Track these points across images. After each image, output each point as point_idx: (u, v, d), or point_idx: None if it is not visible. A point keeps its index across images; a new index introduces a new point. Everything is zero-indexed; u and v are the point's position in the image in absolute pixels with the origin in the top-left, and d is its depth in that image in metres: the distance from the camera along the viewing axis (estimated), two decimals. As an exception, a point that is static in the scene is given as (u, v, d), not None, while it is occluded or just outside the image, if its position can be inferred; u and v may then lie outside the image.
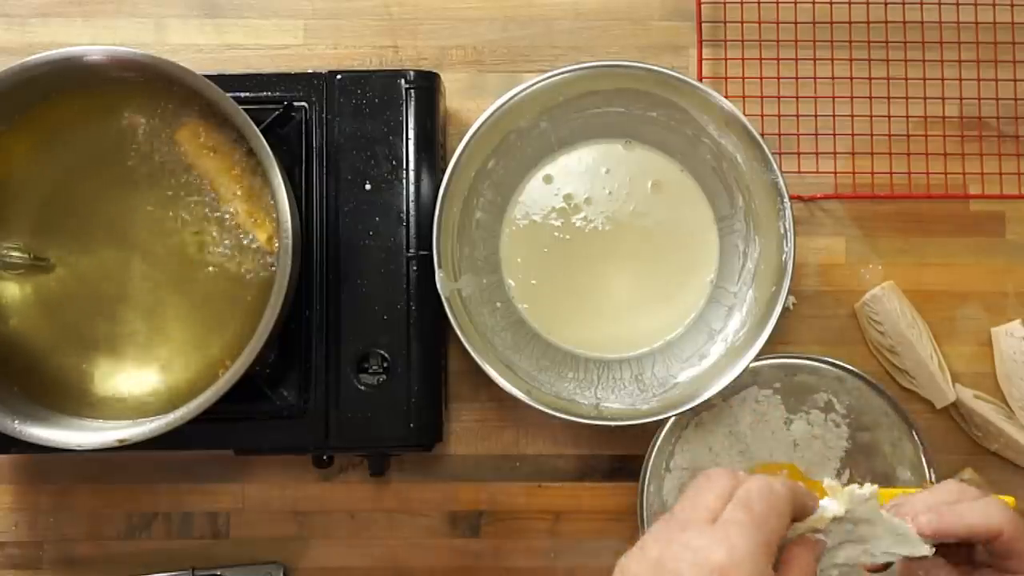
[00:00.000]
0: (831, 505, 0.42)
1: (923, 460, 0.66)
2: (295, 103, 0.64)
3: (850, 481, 0.69)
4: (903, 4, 0.73)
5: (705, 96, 0.63)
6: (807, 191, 0.72)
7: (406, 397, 0.63)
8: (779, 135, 0.72)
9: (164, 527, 0.69)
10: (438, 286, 0.62)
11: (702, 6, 0.72)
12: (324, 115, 0.65)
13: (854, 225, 0.72)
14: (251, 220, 0.61)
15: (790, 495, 0.40)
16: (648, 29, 0.73)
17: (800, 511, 0.41)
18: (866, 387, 0.66)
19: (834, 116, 0.72)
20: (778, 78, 0.73)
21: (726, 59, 0.73)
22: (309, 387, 0.63)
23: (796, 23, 0.73)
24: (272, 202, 0.58)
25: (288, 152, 0.63)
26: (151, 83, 0.60)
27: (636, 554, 0.40)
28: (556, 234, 0.69)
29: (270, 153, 0.57)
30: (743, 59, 0.72)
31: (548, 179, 0.69)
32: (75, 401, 0.61)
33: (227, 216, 0.62)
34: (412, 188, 0.64)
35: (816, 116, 0.72)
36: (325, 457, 0.66)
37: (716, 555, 0.37)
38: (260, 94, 0.64)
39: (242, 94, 0.63)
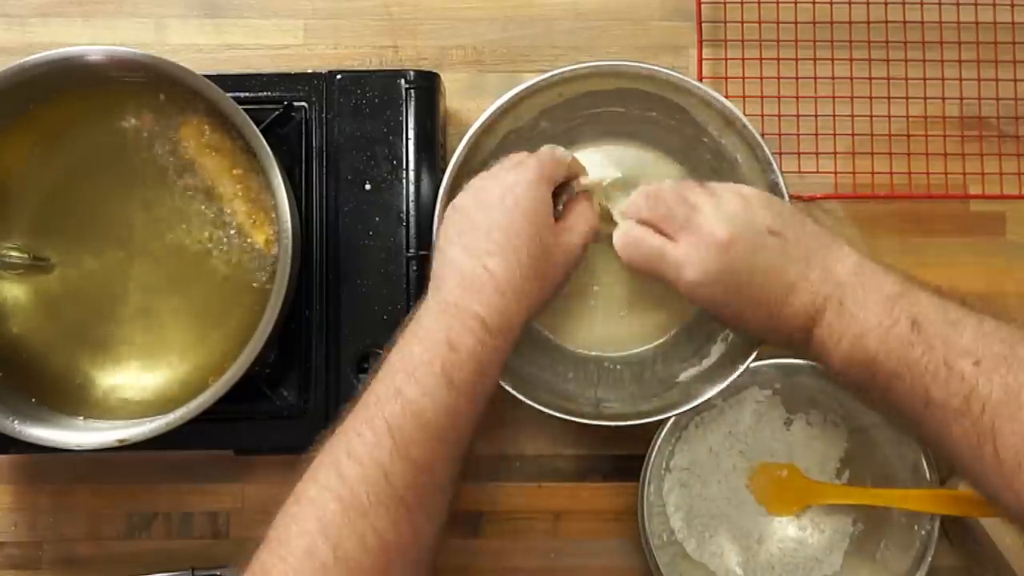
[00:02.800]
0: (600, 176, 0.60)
1: (923, 460, 0.65)
2: (295, 103, 0.64)
3: (851, 482, 0.69)
4: (903, 4, 0.73)
5: (705, 96, 0.63)
6: (807, 191, 0.72)
7: (406, 397, 0.63)
8: (779, 135, 0.72)
9: (164, 527, 0.69)
10: (438, 286, 0.62)
11: (702, 6, 0.72)
12: (324, 115, 0.65)
13: (854, 225, 0.72)
14: (250, 221, 0.61)
15: (567, 158, 0.58)
16: (648, 29, 0.73)
17: (576, 170, 0.59)
18: (866, 387, 0.66)
19: (834, 116, 0.72)
20: (778, 78, 0.73)
21: (726, 59, 0.73)
22: (309, 387, 0.63)
23: (796, 23, 0.73)
24: (272, 202, 0.58)
25: (288, 152, 0.63)
26: (151, 83, 0.60)
27: (465, 190, 0.57)
28: (556, 234, 0.68)
29: (270, 153, 0.57)
30: (743, 59, 0.73)
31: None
32: (75, 401, 0.61)
33: (227, 217, 0.62)
34: (412, 188, 0.64)
35: (816, 116, 0.72)
36: (325, 457, 0.66)
37: (509, 178, 0.55)
38: (260, 94, 0.64)
39: (242, 94, 0.63)
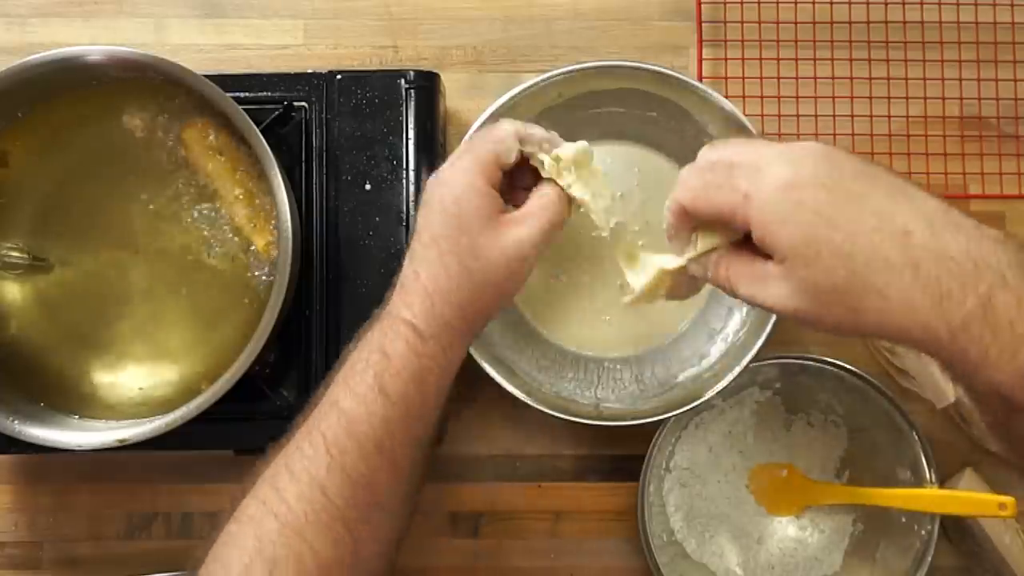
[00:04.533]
0: (563, 151, 0.51)
1: (923, 460, 0.65)
2: (295, 103, 0.64)
3: (851, 482, 0.69)
4: (903, 4, 0.73)
5: (705, 96, 0.63)
6: (807, 191, 0.72)
7: (406, 397, 0.63)
8: (779, 135, 0.72)
9: (164, 527, 0.69)
10: (438, 286, 0.62)
11: (702, 6, 0.72)
12: (324, 115, 0.65)
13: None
14: (250, 225, 0.61)
15: (508, 136, 0.50)
16: (648, 29, 0.73)
17: (525, 139, 0.51)
18: (866, 387, 0.66)
19: (834, 116, 0.72)
20: (778, 78, 0.73)
21: (726, 59, 0.73)
22: (309, 387, 0.63)
23: (796, 23, 0.73)
24: (272, 206, 0.58)
25: (288, 152, 0.63)
26: (151, 83, 0.60)
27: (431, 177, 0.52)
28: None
29: (270, 153, 0.57)
30: (743, 59, 0.73)
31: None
32: (75, 401, 0.61)
33: (226, 219, 0.62)
34: (412, 188, 0.64)
35: (816, 116, 0.72)
36: (325, 457, 0.66)
37: (446, 173, 0.50)
38: (260, 94, 0.64)
39: (242, 94, 0.63)
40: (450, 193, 0.49)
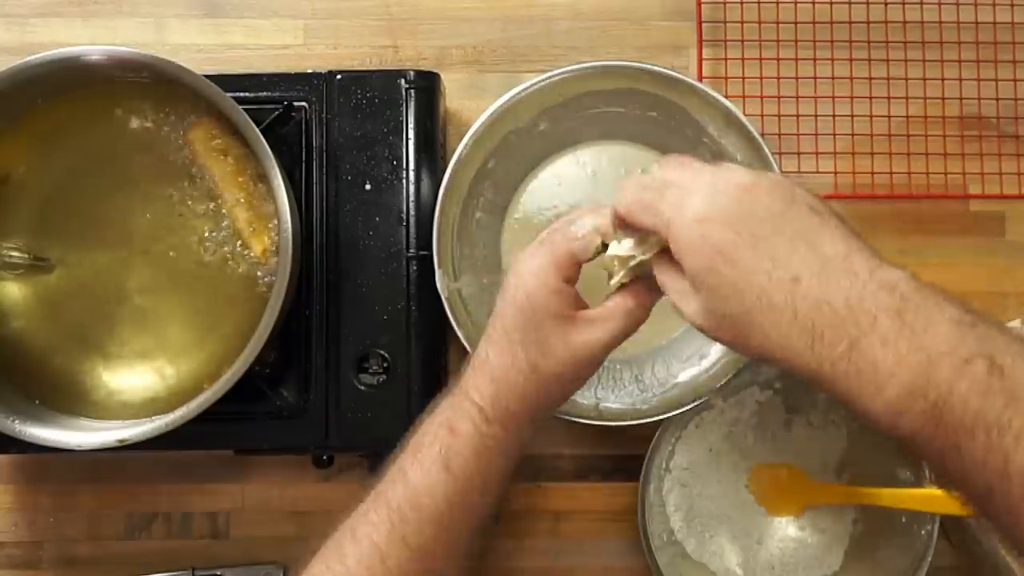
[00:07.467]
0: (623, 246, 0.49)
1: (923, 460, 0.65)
2: (295, 103, 0.64)
3: (851, 482, 0.69)
4: (903, 4, 0.73)
5: (705, 96, 0.63)
6: (807, 191, 0.72)
7: (406, 397, 0.63)
8: (779, 135, 0.72)
9: (164, 527, 0.69)
10: (438, 286, 0.63)
11: (702, 6, 0.72)
12: (324, 115, 0.65)
13: (854, 225, 0.72)
14: (249, 229, 0.61)
15: (582, 230, 0.49)
16: (648, 29, 0.73)
17: (608, 236, 0.49)
18: (866, 387, 0.66)
19: (834, 116, 0.72)
20: (778, 78, 0.73)
21: (726, 59, 0.73)
22: (309, 387, 0.63)
23: (796, 23, 0.73)
24: (271, 210, 0.58)
25: (288, 152, 0.63)
26: (151, 83, 0.60)
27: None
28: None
29: (270, 153, 0.57)
30: (743, 59, 0.73)
31: (548, 179, 0.69)
32: (75, 401, 0.61)
33: (226, 221, 0.62)
34: (412, 188, 0.64)
35: (816, 116, 0.72)
36: (325, 457, 0.66)
37: (525, 264, 0.50)
38: (260, 94, 0.64)
39: (242, 94, 0.63)
40: (523, 288, 0.49)
